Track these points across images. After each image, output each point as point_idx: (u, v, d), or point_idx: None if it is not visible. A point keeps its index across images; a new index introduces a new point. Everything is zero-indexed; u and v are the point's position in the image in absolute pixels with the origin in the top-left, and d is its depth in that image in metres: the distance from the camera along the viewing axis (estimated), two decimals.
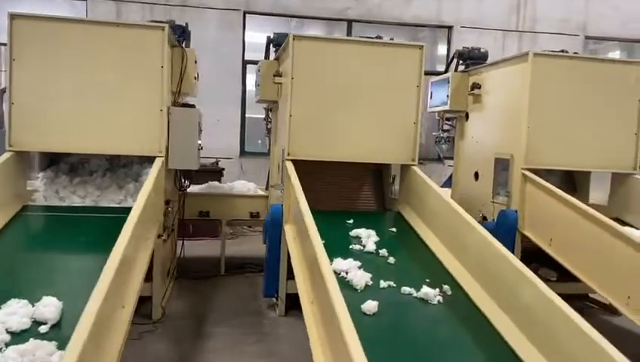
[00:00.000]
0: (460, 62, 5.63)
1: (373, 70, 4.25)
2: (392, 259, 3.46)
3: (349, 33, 8.68)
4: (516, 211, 4.49)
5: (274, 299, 4.35)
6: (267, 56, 5.20)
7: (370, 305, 2.81)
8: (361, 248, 3.60)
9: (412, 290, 3.05)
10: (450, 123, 5.93)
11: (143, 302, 3.90)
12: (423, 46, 4.28)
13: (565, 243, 3.98)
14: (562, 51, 4.92)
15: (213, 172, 7.04)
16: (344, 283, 3.07)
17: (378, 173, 4.88)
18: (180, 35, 4.67)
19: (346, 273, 3.14)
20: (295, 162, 4.32)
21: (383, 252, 3.54)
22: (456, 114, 5.67)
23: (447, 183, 6.11)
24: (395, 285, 3.11)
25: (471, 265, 3.23)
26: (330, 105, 4.23)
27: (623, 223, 4.55)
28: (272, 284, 4.28)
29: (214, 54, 7.85)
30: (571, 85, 4.54)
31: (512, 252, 4.48)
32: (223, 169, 7.29)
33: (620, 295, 3.40)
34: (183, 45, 4.63)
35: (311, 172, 4.56)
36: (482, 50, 5.49)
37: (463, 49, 5.59)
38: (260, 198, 5.55)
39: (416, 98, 4.29)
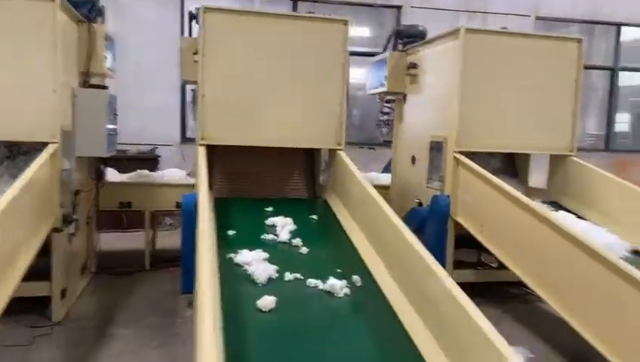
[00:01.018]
0: (399, 41, 5.37)
1: (295, 46, 3.96)
2: (304, 250, 3.19)
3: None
4: (449, 196, 4.27)
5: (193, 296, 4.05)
6: (190, 33, 4.85)
7: (267, 301, 2.53)
8: (274, 238, 3.33)
9: (318, 282, 2.78)
10: (389, 105, 5.69)
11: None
12: (347, 21, 3.99)
13: (495, 230, 3.78)
14: (503, 28, 4.71)
15: (148, 160, 6.67)
16: (244, 277, 2.80)
17: (310, 158, 4.61)
18: (90, 10, 4.29)
19: (249, 266, 2.87)
20: (214, 147, 4.02)
21: (297, 242, 3.26)
22: (395, 95, 5.43)
23: (388, 168, 5.87)
24: (301, 277, 2.83)
25: (386, 257, 2.98)
26: (248, 84, 3.92)
27: (560, 207, 4.41)
28: (189, 279, 3.97)
29: (154, 35, 7.44)
30: (506, 63, 4.33)
31: (445, 238, 4.34)
32: (159, 156, 6.92)
33: (546, 284, 3.20)
34: (98, 22, 4.25)
35: (238, 158, 4.27)
36: (420, 27, 5.23)
37: (400, 27, 5.34)
38: (188, 187, 5.21)
39: (341, 77, 4.01)
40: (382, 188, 5.61)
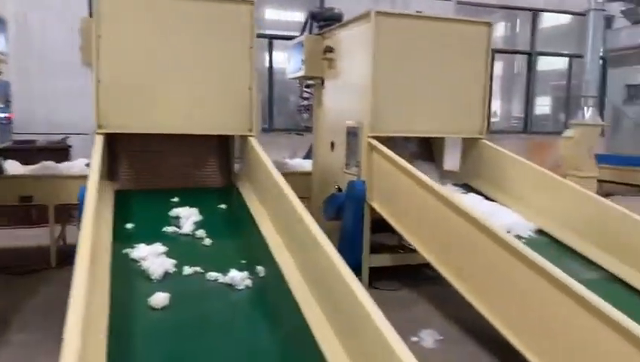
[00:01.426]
0: (315, 24, 5.28)
1: (200, 28, 3.76)
2: (208, 241, 3.06)
3: None
4: (364, 182, 4.25)
5: None
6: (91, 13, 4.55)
7: (159, 298, 2.39)
8: (177, 230, 3.17)
9: (219, 275, 2.66)
10: (309, 90, 5.60)
11: None
12: (253, 2, 3.84)
13: (405, 213, 3.79)
14: (418, 12, 4.70)
15: (58, 150, 6.27)
16: (138, 274, 2.63)
17: (225, 145, 4.44)
18: None
19: (144, 261, 2.71)
20: (119, 136, 3.79)
21: (201, 233, 3.12)
22: (313, 80, 5.34)
23: (309, 155, 5.80)
24: (202, 271, 2.71)
25: (292, 246, 2.89)
26: (149, 68, 3.69)
27: (471, 189, 4.49)
28: None
29: (61, 15, 6.96)
30: (418, 47, 4.32)
31: (361, 223, 4.32)
32: (70, 146, 6.52)
33: (452, 266, 3.23)
34: None
35: (146, 147, 4.05)
36: (337, 10, 5.16)
37: (316, 9, 5.24)
38: None
39: (249, 61, 3.86)
40: (305, 175, 5.59)
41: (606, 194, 9.64)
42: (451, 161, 4.99)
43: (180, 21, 3.71)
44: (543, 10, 9.76)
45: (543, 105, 14.67)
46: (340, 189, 4.74)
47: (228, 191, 4.02)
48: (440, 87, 4.42)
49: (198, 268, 2.72)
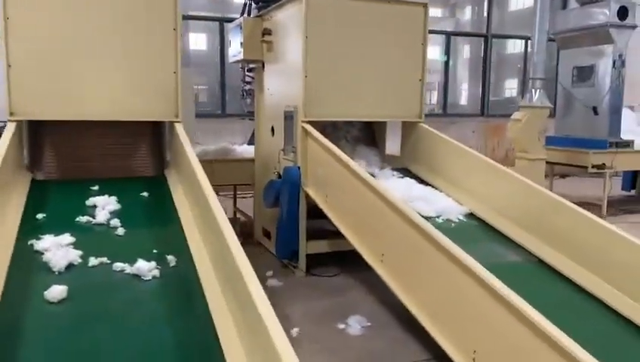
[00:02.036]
0: (254, 5, 5.15)
1: (122, 9, 3.57)
2: (121, 231, 2.95)
3: None
4: (299, 167, 4.17)
5: None
6: None
7: (56, 291, 2.28)
8: (90, 219, 3.05)
9: (126, 266, 2.56)
10: (251, 74, 5.48)
11: None
12: None
13: (335, 198, 3.73)
14: None
15: None
16: (40, 266, 2.52)
17: (158, 133, 4.30)
18: None
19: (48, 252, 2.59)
20: (43, 124, 3.63)
21: (115, 222, 3.01)
22: (254, 63, 5.22)
23: (252, 140, 5.69)
24: (108, 261, 2.61)
25: (206, 237, 2.81)
26: (68, 52, 3.51)
27: (410, 173, 4.46)
28: None
29: None
30: (353, 28, 4.24)
31: (297, 210, 4.25)
32: None
33: (375, 252, 3.19)
34: None
35: (73, 135, 3.88)
36: None
37: None
38: None
39: (174, 44, 3.71)
40: (250, 161, 5.50)
41: (562, 175, 9.80)
42: (393, 145, 4.97)
43: (99, 1, 3.54)
44: None
45: (511, 88, 14.79)
46: (279, 176, 4.66)
47: (156, 181, 3.88)
48: (377, 70, 4.35)
49: (104, 259, 2.61)
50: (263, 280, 4.23)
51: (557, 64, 8.06)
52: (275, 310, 3.32)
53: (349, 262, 4.46)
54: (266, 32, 4.78)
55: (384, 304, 3.66)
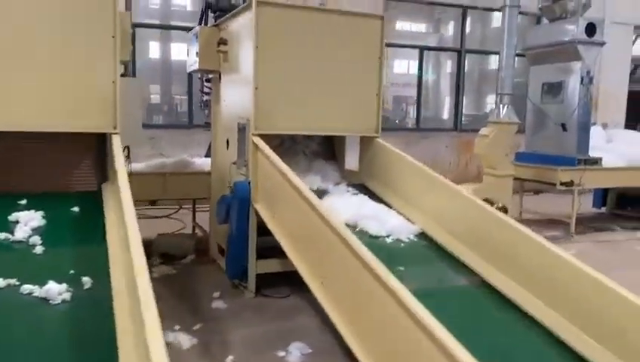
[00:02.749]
0: (212, 14, 5.00)
1: (53, 15, 3.39)
2: (39, 249, 2.74)
3: None
4: (249, 182, 4.00)
5: None
6: None
7: None
8: (8, 236, 2.84)
9: (35, 288, 2.37)
10: (209, 85, 5.31)
11: None
12: None
13: (282, 217, 3.56)
14: (321, 4, 4.48)
15: None
16: None
17: (102, 145, 4.09)
18: None
19: None
20: None
21: (35, 240, 2.80)
22: (211, 74, 5.07)
23: (209, 153, 5.51)
24: (17, 283, 2.41)
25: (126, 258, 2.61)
26: None
27: (366, 189, 4.31)
28: None
29: None
30: (308, 40, 4.10)
31: (247, 227, 4.07)
32: None
33: (316, 275, 3.02)
34: None
35: (12, 146, 3.66)
36: (233, 0, 4.89)
37: None
38: None
39: (113, 50, 3.53)
40: (208, 174, 5.31)
41: (536, 192, 9.72)
42: (354, 160, 4.83)
43: (34, 6, 3.34)
44: (471, 8, 9.73)
45: (492, 103, 14.78)
46: (232, 190, 4.49)
47: (92, 196, 3.68)
48: (332, 83, 4.22)
49: (13, 281, 2.41)
50: (208, 301, 4.05)
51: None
52: (214, 336, 3.14)
53: (303, 282, 4.28)
54: (222, 41, 4.63)
55: (332, 329, 3.48)
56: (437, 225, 3.60)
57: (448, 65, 13.43)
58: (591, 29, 6.66)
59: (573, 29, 6.66)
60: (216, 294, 4.15)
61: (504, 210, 6.34)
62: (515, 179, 7.29)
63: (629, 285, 4.79)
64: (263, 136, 4.01)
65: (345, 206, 3.72)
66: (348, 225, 3.57)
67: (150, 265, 4.80)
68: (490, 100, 14.82)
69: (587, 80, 6.72)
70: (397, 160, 4.09)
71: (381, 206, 3.84)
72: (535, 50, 7.25)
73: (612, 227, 7.32)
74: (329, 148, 4.96)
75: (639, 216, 7.97)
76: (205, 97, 5.36)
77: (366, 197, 3.94)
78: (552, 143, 7.12)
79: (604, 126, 11.45)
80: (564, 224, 7.05)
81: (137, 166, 5.87)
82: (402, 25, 14.28)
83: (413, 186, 3.91)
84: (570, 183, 6.74)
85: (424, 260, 3.31)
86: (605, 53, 11.01)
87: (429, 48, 11.99)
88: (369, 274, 2.37)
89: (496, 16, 9.98)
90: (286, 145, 4.78)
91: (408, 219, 3.75)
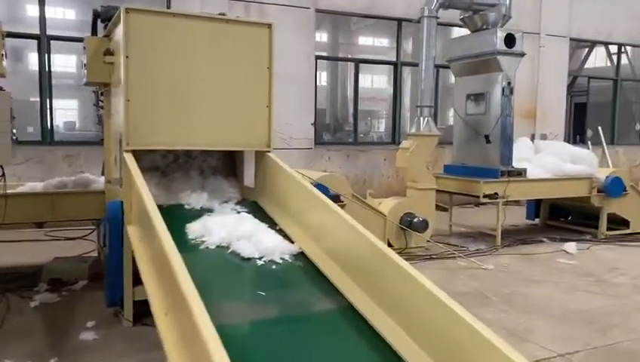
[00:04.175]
0: (102, 24, 4.71)
1: None
2: None
3: None
4: (122, 202, 3.70)
5: None
6: None
7: None
8: None
9: None
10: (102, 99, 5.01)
11: None
12: None
13: (145, 241, 3.27)
14: (221, 14, 4.24)
15: None
16: None
17: None
18: None
19: None
20: None
21: None
22: (102, 87, 4.78)
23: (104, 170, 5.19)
24: None
25: None
26: None
27: (257, 207, 4.07)
28: None
29: None
30: (188, 49, 3.85)
31: (121, 250, 3.77)
32: None
33: (162, 305, 2.73)
34: None
35: None
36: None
37: (100, 8, 4.66)
38: None
39: None
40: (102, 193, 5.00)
41: (476, 204, 9.63)
42: (249, 176, 4.58)
43: None
44: (405, 20, 9.67)
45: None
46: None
47: None
48: (218, 96, 3.97)
49: None
50: (78, 332, 3.73)
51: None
52: None
53: None
54: (108, 52, 4.35)
55: None
56: (316, 245, 3.36)
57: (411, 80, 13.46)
58: (510, 39, 6.61)
59: (493, 40, 6.60)
60: (90, 324, 3.84)
61: (425, 223, 6.19)
62: (442, 191, 7.19)
63: (538, 300, 4.66)
64: (139, 152, 3.74)
65: (220, 226, 3.46)
66: (221, 247, 3.36)
67: (33, 293, 4.49)
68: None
69: (508, 91, 6.66)
70: (285, 176, 3.86)
71: (260, 225, 3.58)
72: (458, 62, 7.18)
73: (540, 239, 7.24)
74: (230, 164, 4.71)
75: (572, 228, 7.94)
76: (100, 111, 5.05)
77: (246, 216, 3.68)
78: (477, 155, 7.03)
79: (544, 137, 11.55)
80: (493, 237, 6.94)
81: (37, 185, 5.52)
82: (366, 40, 14.30)
83: (299, 204, 3.67)
84: (494, 195, 6.65)
85: (291, 283, 3.06)
86: (542, 65, 11.16)
87: (364, 61, 11.96)
88: (187, 309, 2.10)
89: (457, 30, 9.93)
90: (181, 161, 4.52)
91: (290, 239, 3.51)
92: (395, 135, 10.22)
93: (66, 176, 5.87)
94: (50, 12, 8.69)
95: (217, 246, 3.32)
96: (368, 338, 2.58)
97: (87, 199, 4.99)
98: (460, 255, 6.13)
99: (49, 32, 7.80)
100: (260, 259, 3.24)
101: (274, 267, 3.19)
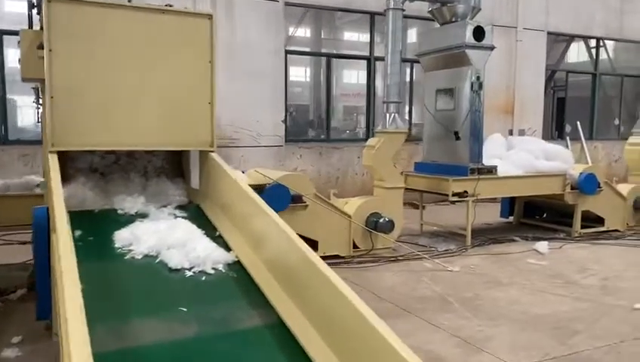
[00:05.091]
0: (38, 15, 4.41)
1: None
2: None
3: None
4: (47, 207, 3.43)
5: None
6: None
7: None
8: None
9: None
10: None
11: None
12: None
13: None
14: (167, 5, 3.96)
15: None
16: None
17: None
18: None
19: None
20: None
21: None
22: (41, 83, 4.48)
23: None
24: None
25: None
26: None
27: (200, 211, 3.82)
28: None
29: None
30: (120, 42, 3.58)
31: (48, 258, 3.50)
32: None
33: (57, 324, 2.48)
34: None
35: None
36: None
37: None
38: None
39: None
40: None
41: (452, 201, 9.43)
42: (196, 178, 4.32)
43: None
44: (378, 14, 9.42)
45: None
46: None
47: None
48: (154, 92, 3.70)
49: None
50: (2, 346, 3.46)
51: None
52: None
53: None
54: (41, 46, 4.06)
55: None
56: (254, 253, 3.11)
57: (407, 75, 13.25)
58: (479, 32, 6.39)
59: (462, 33, 6.37)
60: (17, 339, 3.57)
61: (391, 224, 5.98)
62: (412, 190, 6.98)
63: (501, 304, 4.44)
64: (74, 153, 3.49)
65: (150, 233, 3.20)
66: (149, 256, 3.10)
67: None
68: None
69: (477, 85, 6.45)
70: (227, 179, 3.60)
71: (195, 232, 3.31)
72: (427, 56, 6.95)
73: (513, 238, 7.05)
74: (178, 165, 4.45)
75: (547, 226, 7.77)
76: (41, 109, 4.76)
77: (181, 222, 3.41)
78: (448, 152, 6.82)
79: (522, 132, 11.38)
80: (464, 236, 6.73)
81: None
82: (351, 35, 14.05)
83: (239, 209, 3.42)
84: (464, 194, 6.44)
85: (220, 296, 2.82)
86: (520, 60, 10.99)
87: (336, 56, 11.71)
88: (65, 331, 1.85)
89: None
90: (122, 162, 4.25)
91: (227, 246, 3.26)
92: (370, 131, 9.99)
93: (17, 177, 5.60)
94: (6, 5, 8.37)
95: (145, 256, 3.07)
96: (294, 360, 2.34)
97: (29, 203, 4.69)
98: (425, 256, 5.91)
99: (2, 26, 7.46)
100: (189, 269, 2.99)
101: (204, 278, 2.94)
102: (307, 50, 13.09)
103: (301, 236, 6.15)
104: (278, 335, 2.49)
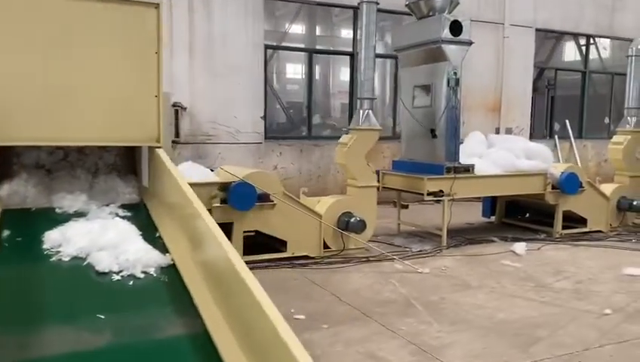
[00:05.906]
0: None
1: None
2: None
3: None
4: None
5: None
6: None
7: None
8: None
9: None
10: None
11: None
12: None
13: None
14: None
15: None
16: None
17: None
18: None
19: None
20: None
21: None
22: None
23: None
24: None
25: None
26: None
27: (145, 210, 3.63)
28: None
29: None
30: (57, 31, 3.39)
31: None
32: None
33: None
34: None
35: None
36: None
37: None
38: None
39: None
40: None
41: (436, 201, 9.26)
42: (145, 175, 4.14)
43: None
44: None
45: None
46: None
47: None
48: (94, 84, 3.52)
49: None
50: None
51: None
52: None
53: None
54: None
55: None
56: (189, 256, 2.94)
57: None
58: (456, 27, 6.21)
59: (438, 28, 6.19)
60: None
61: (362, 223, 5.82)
62: (389, 189, 6.82)
63: (466, 309, 4.26)
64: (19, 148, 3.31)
65: (82, 234, 3.03)
66: (77, 258, 2.92)
67: None
68: None
69: (454, 82, 6.26)
70: (169, 176, 3.42)
71: (132, 233, 3.13)
72: (403, 51, 6.77)
73: (491, 238, 6.88)
74: (129, 161, 4.27)
75: (528, 226, 7.60)
76: None
77: (118, 222, 3.23)
78: (424, 150, 6.64)
79: (509, 131, 11.19)
80: (437, 236, 6.57)
81: None
82: (349, 33, 13.84)
83: (180, 208, 3.24)
84: (439, 193, 6.26)
85: (145, 302, 2.65)
86: (507, 57, 10.80)
87: (318, 52, 11.51)
88: None
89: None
90: (71, 158, 4.08)
91: (165, 248, 3.08)
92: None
93: None
94: None
95: (73, 258, 2.89)
96: None
97: None
98: (395, 257, 5.73)
99: None
100: (118, 273, 2.81)
101: (131, 283, 2.75)
102: (302, 46, 12.87)
103: (270, 236, 5.98)
104: (198, 347, 2.32)
